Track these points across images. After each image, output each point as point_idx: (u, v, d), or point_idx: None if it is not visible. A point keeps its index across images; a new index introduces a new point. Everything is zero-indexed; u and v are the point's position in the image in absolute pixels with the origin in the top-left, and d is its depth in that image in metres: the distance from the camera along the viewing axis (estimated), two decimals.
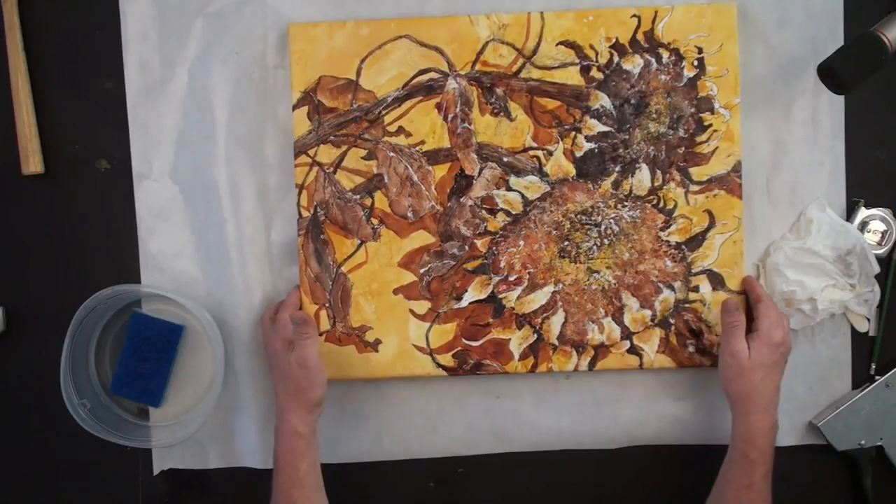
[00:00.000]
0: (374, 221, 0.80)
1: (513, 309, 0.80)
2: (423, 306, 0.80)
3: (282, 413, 0.75)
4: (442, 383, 0.83)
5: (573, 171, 0.80)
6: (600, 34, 0.79)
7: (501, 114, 0.80)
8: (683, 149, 0.79)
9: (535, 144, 0.80)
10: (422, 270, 0.80)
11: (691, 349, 0.80)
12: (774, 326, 0.75)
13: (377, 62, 0.80)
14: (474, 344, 0.80)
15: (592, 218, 0.80)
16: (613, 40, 0.79)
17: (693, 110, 0.79)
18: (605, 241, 0.80)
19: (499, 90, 0.80)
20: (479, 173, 0.80)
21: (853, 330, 0.82)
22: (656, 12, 0.79)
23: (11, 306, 0.84)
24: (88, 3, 0.83)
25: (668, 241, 0.80)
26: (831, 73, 0.70)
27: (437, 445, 0.84)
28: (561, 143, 0.80)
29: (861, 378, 0.83)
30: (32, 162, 0.82)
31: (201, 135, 0.83)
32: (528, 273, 0.80)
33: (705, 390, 0.82)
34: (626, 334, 0.80)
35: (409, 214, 0.80)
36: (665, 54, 0.79)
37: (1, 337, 0.84)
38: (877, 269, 0.80)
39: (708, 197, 0.79)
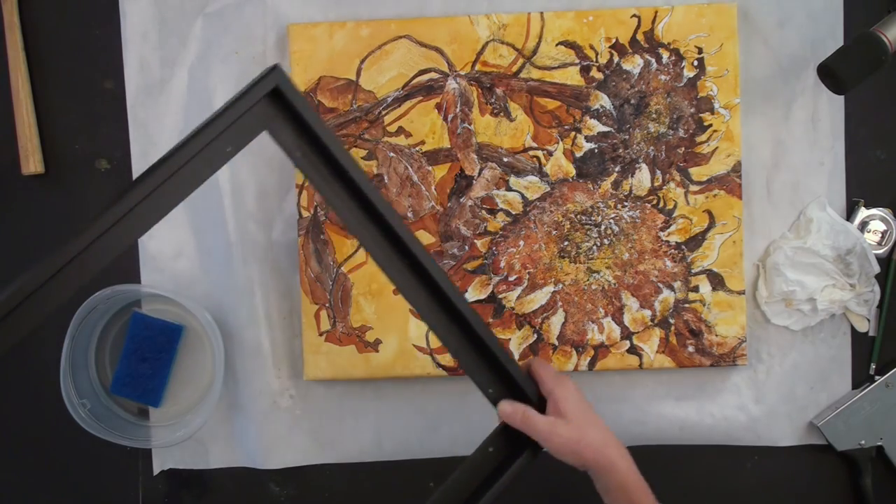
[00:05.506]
0: None
1: (513, 309, 0.80)
2: None
3: None
4: (442, 383, 0.83)
5: (573, 172, 0.80)
6: (600, 34, 0.79)
7: (501, 114, 0.80)
8: (683, 149, 0.79)
9: (535, 145, 0.80)
10: None
11: (691, 349, 0.80)
12: (553, 380, 0.66)
13: (377, 62, 0.80)
14: None
15: (592, 218, 0.80)
16: (613, 40, 0.79)
17: (693, 110, 0.79)
18: (605, 242, 0.80)
19: (499, 90, 0.80)
20: (479, 173, 0.80)
21: (853, 330, 0.82)
22: (656, 12, 0.79)
23: None
24: (88, 3, 0.83)
25: (667, 241, 0.80)
26: (831, 73, 0.70)
27: (437, 445, 0.84)
28: (561, 143, 0.80)
29: (861, 378, 0.83)
30: (32, 162, 0.82)
31: None
32: (528, 273, 0.80)
33: (705, 390, 0.82)
34: (626, 334, 0.80)
35: (409, 214, 0.80)
36: (665, 54, 0.79)
37: None
38: (877, 269, 0.80)
39: (708, 197, 0.80)
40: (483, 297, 0.80)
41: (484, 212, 0.80)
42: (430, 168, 0.80)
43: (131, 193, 0.54)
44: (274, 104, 0.57)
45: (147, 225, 0.55)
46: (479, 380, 0.66)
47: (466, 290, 0.80)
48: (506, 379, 0.66)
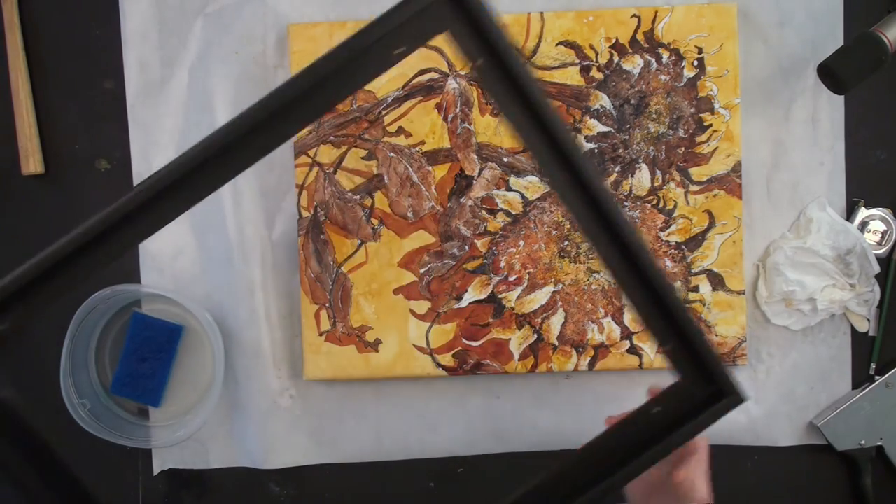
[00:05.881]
0: (374, 221, 0.80)
1: (512, 309, 0.80)
2: (423, 306, 0.80)
3: None
4: (442, 383, 0.83)
5: None
6: (600, 34, 0.79)
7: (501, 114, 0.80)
8: (683, 149, 0.79)
9: None
10: (422, 270, 0.80)
11: None
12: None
13: None
14: (474, 344, 0.80)
15: None
16: (613, 40, 0.79)
17: (693, 110, 0.79)
18: None
19: None
20: (479, 173, 0.80)
21: (853, 330, 0.82)
22: (656, 12, 0.79)
23: None
24: (88, 3, 0.83)
25: (667, 242, 0.80)
26: (831, 73, 0.70)
27: (437, 445, 0.84)
28: None
29: (861, 378, 0.83)
30: (32, 162, 0.82)
31: (201, 135, 0.81)
32: (528, 273, 0.80)
33: None
34: (626, 334, 0.80)
35: (409, 214, 0.80)
36: (665, 54, 0.79)
37: None
38: (877, 269, 0.80)
39: (708, 197, 0.80)
40: (483, 297, 0.80)
41: (484, 212, 0.80)
42: (430, 168, 0.80)
43: (292, 81, 0.50)
44: (452, 7, 0.52)
45: (305, 120, 0.52)
46: (657, 332, 0.57)
47: (466, 290, 0.80)
48: (682, 338, 0.57)
